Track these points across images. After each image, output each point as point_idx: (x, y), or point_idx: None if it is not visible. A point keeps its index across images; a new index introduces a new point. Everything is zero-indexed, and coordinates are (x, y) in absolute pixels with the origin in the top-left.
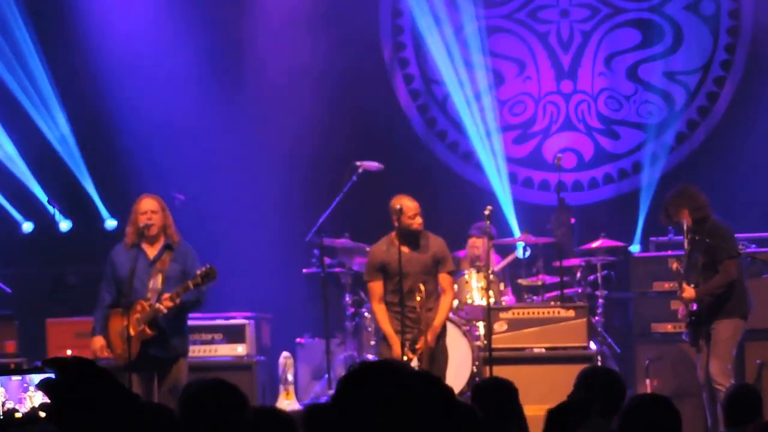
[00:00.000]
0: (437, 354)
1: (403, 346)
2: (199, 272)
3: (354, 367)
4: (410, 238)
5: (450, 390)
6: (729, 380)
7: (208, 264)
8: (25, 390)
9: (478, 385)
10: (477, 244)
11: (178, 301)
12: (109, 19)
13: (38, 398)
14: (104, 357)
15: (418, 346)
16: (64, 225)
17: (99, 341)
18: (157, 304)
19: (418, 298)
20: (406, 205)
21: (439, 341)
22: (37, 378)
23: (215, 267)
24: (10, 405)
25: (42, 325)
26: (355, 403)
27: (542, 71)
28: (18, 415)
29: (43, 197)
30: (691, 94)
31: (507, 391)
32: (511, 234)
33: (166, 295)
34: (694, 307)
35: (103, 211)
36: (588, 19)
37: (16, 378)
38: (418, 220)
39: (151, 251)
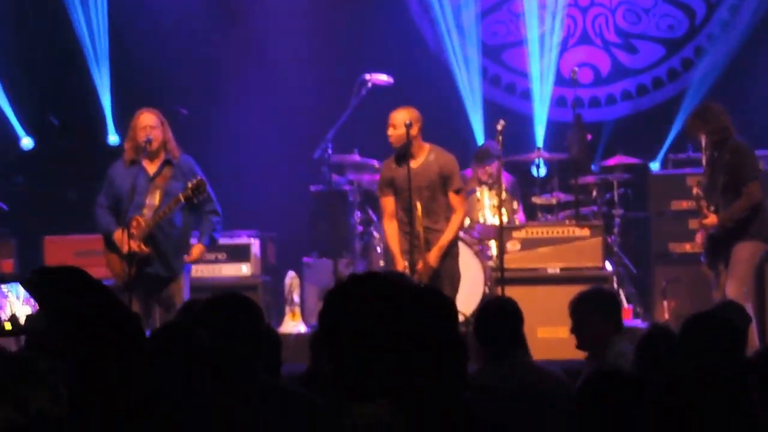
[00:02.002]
0: (441, 275)
1: (412, 267)
2: (189, 185)
3: (342, 278)
4: (409, 152)
5: (448, 304)
6: (746, 303)
7: (199, 176)
8: (5, 296)
9: (484, 305)
10: (478, 173)
11: (169, 214)
12: None
13: (18, 306)
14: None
15: (418, 267)
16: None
17: (118, 233)
18: (147, 221)
19: (418, 215)
20: (389, 118)
21: (445, 261)
22: (23, 292)
23: (204, 180)
24: None
25: (40, 242)
26: (341, 315)
27: None
28: (8, 326)
29: (46, 110)
30: (711, 7)
31: (511, 310)
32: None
33: (160, 212)
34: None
35: (111, 126)
36: None
37: None
38: (391, 131)
39: (151, 167)
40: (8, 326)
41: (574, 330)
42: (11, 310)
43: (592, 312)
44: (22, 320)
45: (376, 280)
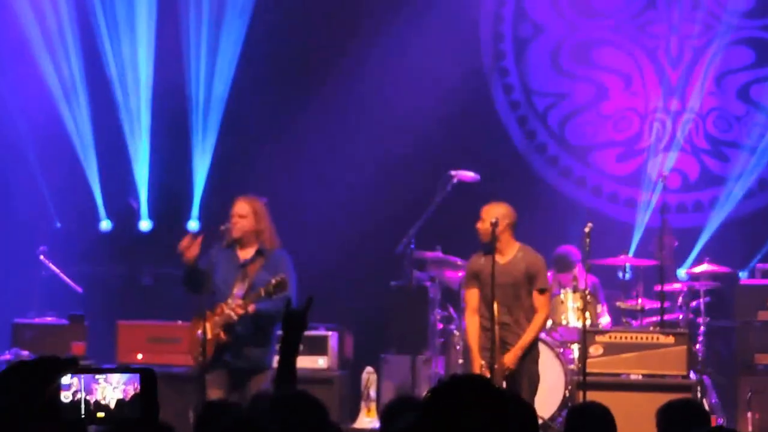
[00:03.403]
0: (520, 375)
1: (491, 366)
2: (273, 280)
3: (443, 379)
4: (494, 248)
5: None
6: None
7: (282, 274)
8: (96, 381)
9: (575, 408)
10: (559, 279)
11: (250, 309)
12: None
13: (109, 391)
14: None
15: (496, 366)
16: (145, 224)
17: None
18: (227, 310)
19: (495, 314)
20: (480, 212)
21: (524, 363)
22: (115, 376)
23: (287, 279)
24: (81, 396)
25: (113, 327)
26: (442, 416)
27: (649, 87)
28: (100, 414)
29: (127, 193)
30: None
31: (604, 418)
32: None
33: (239, 302)
34: None
35: (195, 211)
36: (699, 35)
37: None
38: (479, 224)
39: (243, 254)
40: (101, 414)
41: None
42: (102, 395)
43: (680, 423)
44: (111, 405)
45: (476, 384)
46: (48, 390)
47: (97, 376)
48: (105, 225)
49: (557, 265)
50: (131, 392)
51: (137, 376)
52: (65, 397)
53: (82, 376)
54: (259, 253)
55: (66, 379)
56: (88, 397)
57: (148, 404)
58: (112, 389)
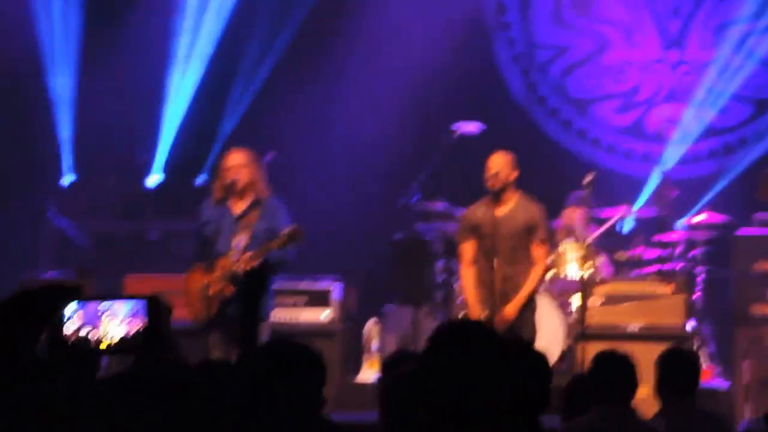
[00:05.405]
0: (520, 327)
1: (491, 315)
2: (284, 232)
3: (443, 324)
4: (497, 199)
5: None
6: None
7: (295, 224)
8: (99, 317)
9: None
10: (573, 216)
11: (256, 263)
12: None
13: (114, 326)
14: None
15: (496, 318)
16: (154, 179)
17: (200, 273)
18: (236, 265)
19: (495, 267)
20: (489, 161)
21: (523, 315)
22: (120, 306)
23: (302, 228)
24: (86, 329)
25: (120, 281)
26: (442, 360)
27: (648, 39)
28: (103, 345)
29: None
30: None
31: (627, 366)
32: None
33: (247, 255)
34: None
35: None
36: None
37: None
38: (492, 173)
39: (238, 207)
40: (104, 345)
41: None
42: (104, 330)
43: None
44: (115, 341)
45: (473, 328)
46: (53, 318)
47: (100, 309)
48: (114, 180)
49: (577, 200)
50: (136, 327)
51: (143, 310)
52: (72, 325)
53: (88, 310)
54: (255, 203)
55: (71, 311)
56: (93, 331)
57: (153, 335)
58: (117, 324)
